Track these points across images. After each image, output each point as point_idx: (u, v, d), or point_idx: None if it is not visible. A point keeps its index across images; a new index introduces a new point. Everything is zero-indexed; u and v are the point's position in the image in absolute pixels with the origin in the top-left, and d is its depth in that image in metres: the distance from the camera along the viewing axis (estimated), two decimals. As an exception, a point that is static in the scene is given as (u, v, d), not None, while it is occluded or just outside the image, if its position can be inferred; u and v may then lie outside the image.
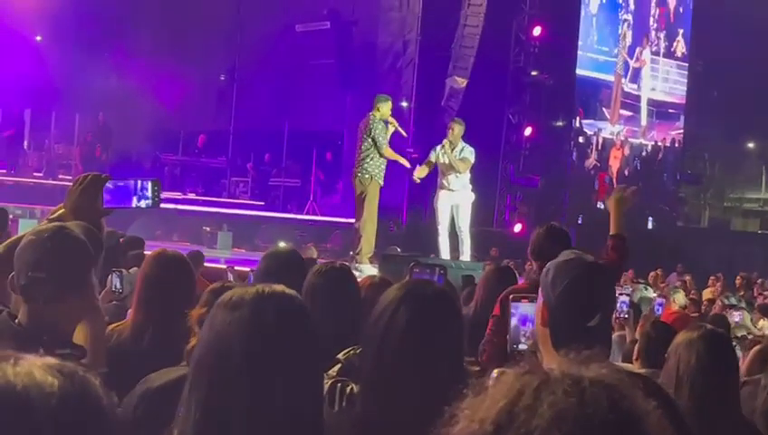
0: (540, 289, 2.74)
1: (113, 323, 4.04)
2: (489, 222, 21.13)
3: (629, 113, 26.14)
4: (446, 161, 11.94)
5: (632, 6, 25.95)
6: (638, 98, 26.42)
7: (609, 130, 25.39)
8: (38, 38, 23.25)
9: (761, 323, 11.07)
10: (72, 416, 1.23)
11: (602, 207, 25.01)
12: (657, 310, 7.10)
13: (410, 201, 20.34)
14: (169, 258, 4.18)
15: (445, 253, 12.28)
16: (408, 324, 2.48)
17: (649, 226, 25.91)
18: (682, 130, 27.85)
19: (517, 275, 7.32)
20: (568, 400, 1.10)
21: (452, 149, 11.91)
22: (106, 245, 6.03)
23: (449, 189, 12.11)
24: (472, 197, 12.35)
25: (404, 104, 20.43)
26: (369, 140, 11.56)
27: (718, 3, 27.23)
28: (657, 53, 26.93)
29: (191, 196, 21.85)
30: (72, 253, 2.79)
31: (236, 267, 8.05)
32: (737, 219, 35.00)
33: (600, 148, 25.16)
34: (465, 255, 12.27)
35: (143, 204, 3.43)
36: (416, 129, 20.04)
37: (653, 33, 26.84)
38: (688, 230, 28.79)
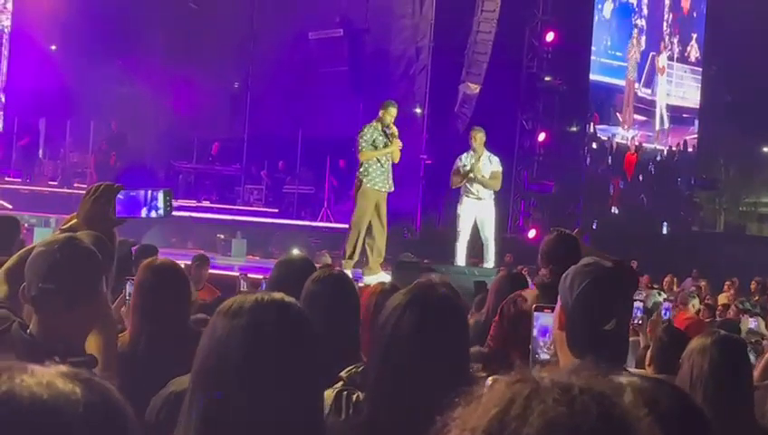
0: (558, 294, 2.78)
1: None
2: (503, 228, 21.09)
3: (644, 118, 26.09)
4: (475, 173, 12.06)
5: (645, 11, 25.91)
6: (652, 103, 26.36)
7: (622, 134, 25.35)
8: (53, 48, 23.39)
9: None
10: (100, 422, 1.22)
11: (616, 212, 25.05)
12: (665, 314, 7.09)
13: (424, 207, 20.34)
14: (161, 266, 4.22)
15: (461, 259, 12.32)
16: (414, 329, 2.50)
17: (664, 231, 25.85)
18: (696, 135, 27.78)
19: (529, 281, 7.34)
20: (558, 408, 1.11)
21: (478, 158, 12.06)
22: (118, 254, 6.07)
23: (477, 198, 12.19)
24: (493, 204, 12.50)
25: (417, 111, 20.45)
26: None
27: (732, 6, 27.16)
28: (670, 58, 26.89)
29: (205, 203, 21.91)
30: (82, 263, 2.81)
31: (249, 275, 8.05)
32: (753, 224, 34.82)
33: (614, 153, 25.12)
34: (490, 262, 12.32)
35: (153, 214, 3.45)
36: (429, 135, 20.08)
37: (666, 37, 26.80)
38: (704, 235, 28.68)
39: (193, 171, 23.59)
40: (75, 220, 3.36)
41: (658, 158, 26.61)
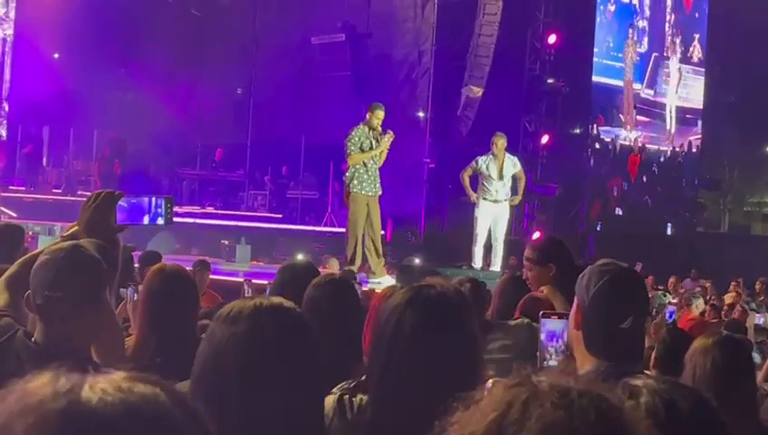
0: (575, 293, 2.80)
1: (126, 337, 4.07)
2: (507, 230, 21.10)
3: (647, 119, 26.06)
4: (494, 175, 12.14)
5: (647, 12, 25.90)
6: (655, 104, 26.34)
7: (624, 136, 25.34)
8: (55, 56, 23.43)
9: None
10: (189, 417, 1.13)
11: (620, 213, 25.01)
12: (669, 316, 7.07)
13: (428, 211, 20.34)
14: (170, 273, 4.21)
15: (478, 262, 12.38)
16: (415, 327, 2.49)
17: (668, 231, 25.81)
18: (700, 136, 27.76)
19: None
20: (556, 412, 1.11)
21: (499, 165, 12.17)
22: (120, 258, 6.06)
23: (494, 200, 12.26)
24: (508, 207, 12.60)
25: (420, 114, 20.47)
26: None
27: (734, 7, 27.15)
28: (669, 58, 26.89)
29: (209, 209, 21.93)
30: (86, 271, 2.82)
31: (254, 280, 8.05)
32: (757, 224, 34.80)
33: (617, 154, 25.11)
34: (497, 265, 12.36)
35: (159, 221, 3.46)
36: (432, 139, 20.09)
37: (669, 38, 26.79)
38: (708, 235, 28.65)
39: (197, 178, 23.62)
40: (76, 228, 3.37)
41: (662, 159, 26.58)
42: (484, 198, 12.48)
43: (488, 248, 12.64)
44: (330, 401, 2.65)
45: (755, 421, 3.56)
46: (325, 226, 20.57)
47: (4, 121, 23.08)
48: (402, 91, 20.79)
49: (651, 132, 26.23)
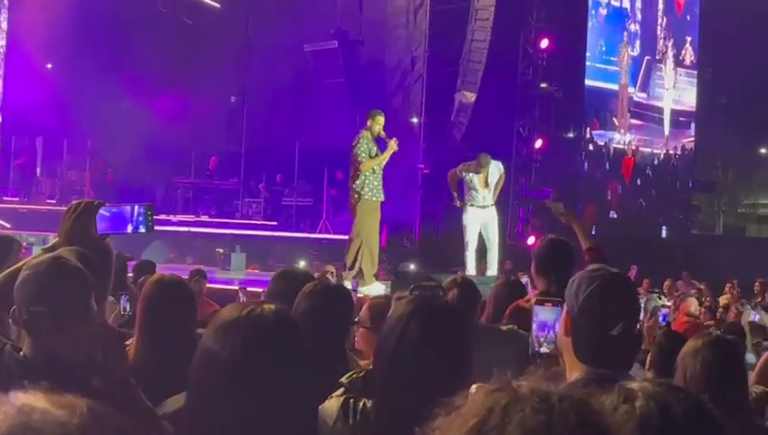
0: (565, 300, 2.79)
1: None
2: (502, 235, 21.11)
3: (640, 122, 26.11)
4: (477, 183, 12.17)
5: (639, 16, 25.96)
6: (648, 107, 26.39)
7: (618, 139, 25.38)
8: (48, 66, 23.42)
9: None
10: None
11: (615, 216, 24.95)
12: (663, 319, 7.07)
13: (422, 217, 20.34)
14: (169, 282, 4.20)
15: (471, 268, 12.37)
16: (419, 337, 2.52)
17: (663, 234, 25.82)
18: (693, 138, 27.82)
19: (528, 288, 7.34)
20: (536, 417, 1.11)
21: (484, 177, 12.20)
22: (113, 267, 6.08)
23: (481, 206, 12.28)
24: (495, 210, 12.63)
25: (414, 120, 20.46)
26: (353, 158, 11.64)
27: (726, 8, 27.21)
28: (663, 61, 26.95)
29: (204, 218, 21.92)
30: (70, 282, 2.81)
31: (249, 288, 8.06)
32: (752, 225, 34.84)
33: (611, 158, 25.14)
34: (492, 269, 12.36)
35: (141, 229, 3.44)
36: (426, 145, 20.09)
37: (661, 42, 26.85)
38: (703, 238, 28.67)
39: (191, 186, 23.61)
40: (57, 240, 3.35)
41: (656, 161, 26.62)
42: (472, 205, 12.49)
43: (482, 253, 12.64)
44: (334, 404, 2.69)
45: (747, 421, 3.56)
46: (320, 233, 20.57)
47: (-2, 132, 23.07)
48: (395, 98, 20.79)
49: (645, 135, 26.28)
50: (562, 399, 1.13)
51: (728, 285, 17.15)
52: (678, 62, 27.29)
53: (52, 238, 3.63)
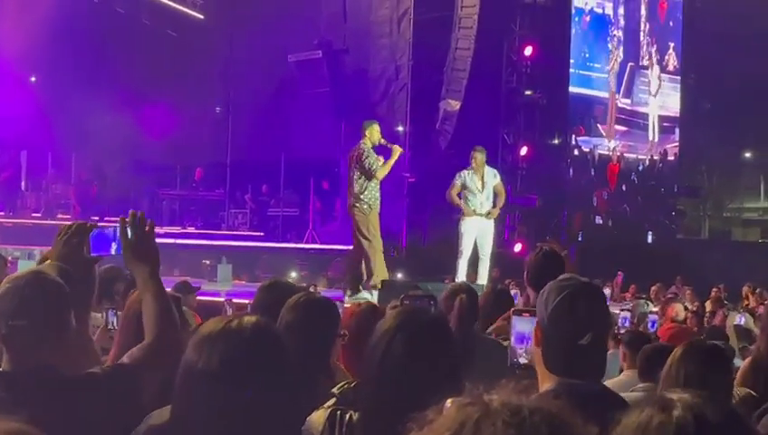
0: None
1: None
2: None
3: (624, 128, 26.22)
4: (476, 188, 12.15)
5: (622, 22, 26.07)
6: (632, 113, 26.50)
7: (604, 145, 25.46)
8: (32, 79, 23.34)
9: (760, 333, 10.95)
10: None
11: (601, 222, 24.97)
12: (652, 326, 7.08)
13: (409, 225, 20.35)
14: None
15: (462, 276, 12.36)
16: (405, 352, 2.51)
17: (649, 239, 25.86)
18: (677, 144, 27.93)
19: (515, 296, 7.33)
20: (507, 431, 1.10)
21: (480, 178, 12.17)
22: (103, 279, 6.05)
23: (479, 213, 12.26)
24: (493, 221, 12.60)
25: (399, 129, 20.49)
26: (362, 169, 11.59)
27: (708, 13, 27.36)
28: (647, 68, 27.06)
29: (190, 229, 21.87)
30: (49, 297, 2.81)
31: (235, 300, 8.03)
32: (737, 229, 34.95)
33: (596, 164, 25.21)
34: (483, 278, 12.35)
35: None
36: (411, 153, 20.09)
37: (644, 48, 26.96)
38: (689, 242, 28.73)
39: (177, 198, 23.56)
40: (49, 262, 3.34)
41: (641, 167, 26.72)
42: (469, 214, 12.50)
43: (473, 262, 12.63)
44: (321, 416, 2.68)
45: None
46: (307, 243, 20.57)
47: (-18, 146, 22.96)
48: (380, 107, 20.81)
49: (629, 141, 26.38)
50: (534, 412, 1.13)
51: (714, 289, 17.18)
52: (662, 68, 27.41)
53: (38, 253, 3.61)
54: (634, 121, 26.58)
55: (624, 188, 25.69)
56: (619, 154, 25.62)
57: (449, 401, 1.39)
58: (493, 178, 12.50)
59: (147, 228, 3.15)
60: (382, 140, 11.84)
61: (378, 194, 11.77)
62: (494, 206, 12.59)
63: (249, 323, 2.24)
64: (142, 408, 2.89)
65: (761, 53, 26.60)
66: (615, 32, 25.88)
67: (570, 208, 23.87)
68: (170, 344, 2.96)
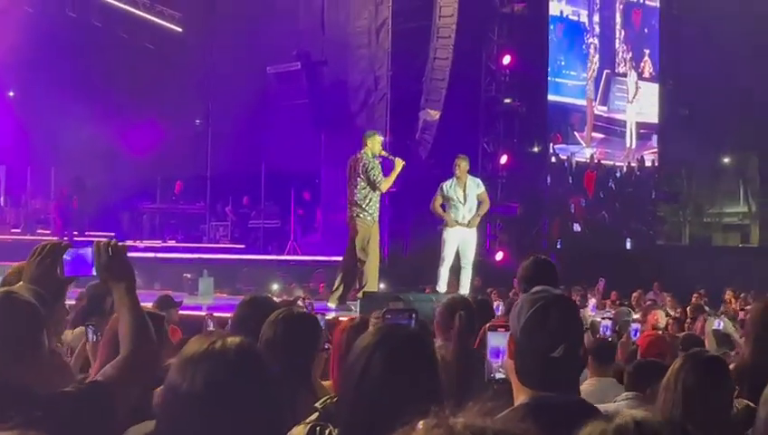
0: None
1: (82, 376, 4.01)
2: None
3: (601, 135, 26.33)
4: (459, 198, 12.14)
5: (597, 30, 26.20)
6: (609, 120, 26.63)
7: (582, 153, 25.55)
8: (10, 94, 23.26)
9: (743, 338, 10.99)
10: None
11: (579, 229, 25.00)
12: (634, 335, 7.08)
13: (391, 235, 20.33)
14: None
15: (444, 284, 12.36)
16: (384, 369, 2.51)
17: (627, 246, 25.85)
18: (654, 150, 28.06)
19: (495, 306, 7.35)
20: None
21: (463, 189, 12.16)
22: (93, 295, 6.03)
23: (462, 224, 12.25)
24: (476, 230, 12.59)
25: (379, 139, 20.48)
26: (366, 181, 11.57)
27: (685, 20, 27.53)
28: (624, 75, 27.19)
29: (171, 243, 21.81)
30: (21, 317, 2.80)
31: (216, 314, 7.99)
32: (718, 234, 35.07)
33: (573, 172, 25.28)
34: (465, 288, 12.35)
35: None
36: (392, 163, 20.09)
37: (620, 54, 27.10)
38: (669, 248, 28.82)
39: (157, 211, 23.51)
40: (21, 284, 3.32)
41: (618, 174, 26.81)
42: (455, 221, 12.48)
43: (455, 271, 12.62)
44: (301, 431, 2.70)
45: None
46: (288, 254, 20.54)
47: (-40, 162, 22.87)
48: (360, 117, 20.81)
49: (606, 148, 26.49)
50: (497, 434, 1.13)
51: (695, 295, 17.25)
52: (638, 75, 27.55)
53: (10, 270, 3.60)
54: (611, 129, 26.71)
55: (602, 195, 25.75)
56: (596, 161, 25.70)
57: (420, 422, 1.40)
58: (476, 187, 12.47)
59: (119, 248, 3.15)
60: (383, 152, 11.89)
61: (378, 206, 11.80)
62: (477, 213, 12.53)
63: (233, 344, 2.24)
64: (117, 424, 2.89)
65: (738, 59, 26.79)
66: (590, 39, 26.01)
67: (550, 216, 23.93)
68: (145, 360, 2.96)
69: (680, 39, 27.71)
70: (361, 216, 11.68)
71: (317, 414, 2.87)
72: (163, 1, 24.22)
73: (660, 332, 8.98)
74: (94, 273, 3.29)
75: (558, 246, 23.11)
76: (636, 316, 11.28)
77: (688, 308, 15.11)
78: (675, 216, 32.63)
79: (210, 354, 2.20)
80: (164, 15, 24.36)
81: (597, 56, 26.13)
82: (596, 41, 26.14)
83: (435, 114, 20.96)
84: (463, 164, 12.43)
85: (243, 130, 22.66)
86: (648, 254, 24.85)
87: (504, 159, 22.18)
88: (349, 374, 2.58)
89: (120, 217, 22.74)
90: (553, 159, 24.79)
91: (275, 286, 17.19)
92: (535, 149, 24.63)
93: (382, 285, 15.37)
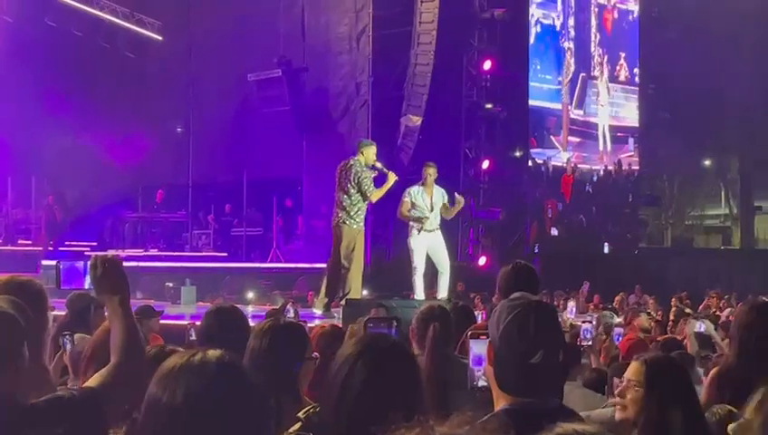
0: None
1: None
2: (453, 256, 21.14)
3: (578, 139, 26.41)
4: (426, 205, 12.08)
5: (572, 33, 26.28)
6: (585, 124, 26.70)
7: (558, 157, 25.61)
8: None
9: (725, 341, 11.02)
10: None
11: (556, 233, 25.06)
12: (617, 339, 7.09)
13: (373, 241, 20.33)
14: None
15: (420, 292, 12.32)
16: (366, 379, 2.52)
17: (605, 250, 25.79)
18: (632, 153, 28.13)
19: (477, 313, 7.33)
20: None
21: (430, 197, 12.11)
22: (76, 307, 6.00)
23: (427, 230, 12.18)
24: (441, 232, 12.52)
25: (360, 146, 20.49)
26: (356, 188, 11.54)
27: (664, 24, 27.66)
28: (597, 78, 27.27)
29: (153, 252, 21.72)
30: (2, 329, 2.79)
31: (198, 322, 7.95)
32: (700, 236, 35.28)
33: (550, 176, 25.33)
34: (443, 292, 12.31)
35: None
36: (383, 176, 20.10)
37: (596, 58, 27.18)
38: (651, 251, 28.94)
39: (139, 220, 23.40)
40: (1, 296, 3.32)
41: (595, 178, 26.86)
42: (418, 230, 12.38)
43: (433, 276, 12.57)
44: (283, 440, 2.64)
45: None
46: (271, 262, 20.51)
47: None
48: (341, 123, 20.84)
49: (583, 152, 26.58)
50: None
51: (674, 298, 17.25)
52: (613, 78, 27.62)
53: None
54: (587, 132, 26.80)
55: (579, 198, 25.79)
56: (573, 165, 25.74)
57: (403, 431, 1.40)
58: (441, 197, 12.34)
59: (116, 263, 3.17)
60: (378, 164, 11.82)
61: (365, 216, 11.80)
62: (452, 205, 12.37)
63: (213, 357, 2.23)
64: (106, 432, 2.89)
65: (718, 63, 26.95)
66: (566, 43, 26.09)
67: (532, 221, 23.98)
68: (135, 370, 2.97)
69: (660, 42, 27.83)
70: (347, 222, 11.67)
71: (299, 424, 2.86)
72: (143, 10, 24.14)
73: (644, 336, 8.97)
74: (86, 286, 3.30)
75: (536, 250, 23.09)
76: (619, 320, 11.29)
77: (670, 312, 15.16)
78: (657, 218, 32.82)
79: (190, 367, 2.19)
80: (144, 24, 24.31)
81: (573, 60, 26.21)
82: (571, 44, 26.22)
83: (416, 120, 20.98)
84: (432, 171, 12.36)
85: (224, 138, 22.62)
86: (629, 257, 24.94)
87: (485, 165, 22.20)
88: (331, 384, 2.57)
89: (101, 226, 22.62)
90: (530, 164, 24.86)
91: (250, 295, 17.17)
92: (517, 154, 24.70)
93: (365, 292, 15.35)
